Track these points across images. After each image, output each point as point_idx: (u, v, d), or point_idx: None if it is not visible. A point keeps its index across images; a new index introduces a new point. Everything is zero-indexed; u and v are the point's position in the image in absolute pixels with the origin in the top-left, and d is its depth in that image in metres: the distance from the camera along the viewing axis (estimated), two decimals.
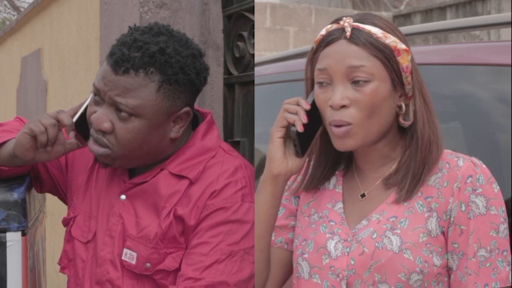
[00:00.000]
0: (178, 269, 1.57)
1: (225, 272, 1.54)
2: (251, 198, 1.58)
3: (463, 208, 1.35)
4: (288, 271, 1.55)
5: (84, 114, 1.61)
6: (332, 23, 1.42)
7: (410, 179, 1.38)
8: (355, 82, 1.36)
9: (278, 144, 1.43)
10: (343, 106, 1.36)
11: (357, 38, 1.36)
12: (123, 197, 1.64)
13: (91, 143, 1.58)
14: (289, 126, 1.42)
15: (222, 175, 1.59)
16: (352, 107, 1.36)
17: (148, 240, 1.58)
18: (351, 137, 1.37)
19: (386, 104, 1.37)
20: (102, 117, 1.54)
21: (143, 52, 1.51)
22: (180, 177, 1.60)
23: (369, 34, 1.37)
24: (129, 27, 1.59)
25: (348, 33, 1.37)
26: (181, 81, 1.54)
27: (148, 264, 1.57)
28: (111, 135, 1.55)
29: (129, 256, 1.59)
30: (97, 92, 1.56)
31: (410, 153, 1.40)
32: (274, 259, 1.54)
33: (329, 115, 1.38)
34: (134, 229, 1.60)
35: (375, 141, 1.41)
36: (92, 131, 1.58)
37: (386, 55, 1.36)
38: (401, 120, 1.40)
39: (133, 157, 1.58)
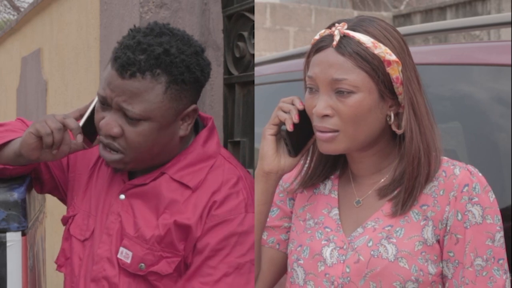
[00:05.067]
0: (171, 274, 1.58)
1: (233, 286, 1.55)
2: (253, 208, 1.58)
3: (460, 217, 1.35)
4: (279, 271, 1.55)
5: (90, 117, 1.61)
6: (327, 27, 1.41)
7: (404, 193, 1.38)
8: (339, 92, 1.35)
9: (269, 141, 1.44)
10: (327, 115, 1.36)
11: (344, 48, 1.35)
12: (122, 196, 1.64)
13: (101, 150, 1.59)
14: (281, 124, 1.43)
15: (224, 185, 1.59)
16: (335, 116, 1.36)
17: (144, 240, 1.58)
18: (335, 142, 1.38)
19: (372, 115, 1.36)
20: (111, 123, 1.54)
21: (148, 54, 1.50)
22: (181, 183, 1.60)
23: (358, 43, 1.35)
24: (130, 29, 1.59)
25: (335, 43, 1.36)
26: (187, 80, 1.54)
27: (142, 265, 1.58)
28: (121, 139, 1.55)
29: (125, 254, 1.59)
30: (103, 100, 1.55)
31: (402, 164, 1.39)
32: (265, 259, 1.54)
33: (315, 121, 1.39)
34: (132, 229, 1.60)
35: (362, 148, 1.41)
36: (101, 137, 1.58)
37: (373, 66, 1.35)
38: (393, 128, 1.40)
39: (144, 159, 1.59)
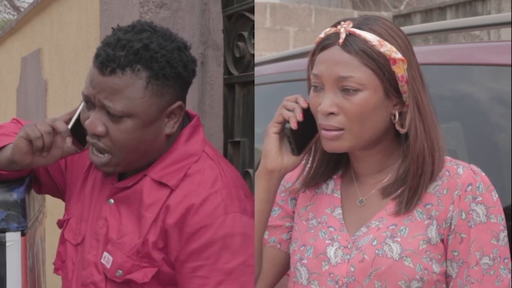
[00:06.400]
0: (149, 282, 1.55)
1: None
2: (235, 208, 1.54)
3: (464, 216, 1.35)
4: (280, 271, 1.55)
5: (78, 120, 1.61)
6: (332, 26, 1.41)
7: (408, 191, 1.38)
8: (345, 90, 1.35)
9: (272, 140, 1.44)
10: (332, 113, 1.36)
11: (350, 45, 1.35)
12: (111, 201, 1.62)
13: (91, 154, 1.58)
14: (285, 122, 1.43)
15: (201, 185, 1.54)
16: (340, 114, 1.36)
17: (125, 247, 1.57)
18: (340, 140, 1.37)
19: (377, 113, 1.37)
20: (95, 121, 1.53)
21: (128, 50, 1.50)
22: (161, 184, 1.57)
23: (364, 41, 1.35)
24: (112, 28, 1.58)
25: (341, 40, 1.36)
26: (169, 75, 1.53)
27: (119, 271, 1.56)
28: (106, 138, 1.54)
29: (107, 259, 1.58)
30: (87, 99, 1.55)
31: (406, 163, 1.39)
32: (266, 258, 1.54)
33: (320, 119, 1.39)
34: (115, 234, 1.59)
35: (367, 146, 1.41)
36: (88, 138, 1.57)
37: (379, 64, 1.35)
38: (397, 127, 1.40)
39: (132, 159, 1.57)
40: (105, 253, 1.59)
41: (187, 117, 1.67)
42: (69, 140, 1.60)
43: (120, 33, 1.53)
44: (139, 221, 1.57)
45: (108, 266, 1.57)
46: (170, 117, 1.57)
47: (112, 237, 1.59)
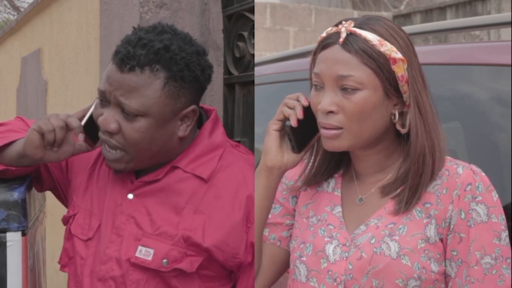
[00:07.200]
0: (194, 273, 1.58)
1: None
2: None
3: (463, 216, 1.35)
4: (280, 268, 1.56)
5: (91, 117, 1.62)
6: (334, 25, 1.42)
7: (408, 191, 1.38)
8: (344, 89, 1.36)
9: (273, 137, 1.45)
10: (331, 112, 1.37)
11: (351, 45, 1.36)
12: (130, 196, 1.63)
13: (104, 150, 1.60)
14: (286, 120, 1.44)
15: (249, 175, 1.60)
16: (340, 113, 1.37)
17: (168, 237, 1.58)
18: (339, 139, 1.38)
19: (376, 112, 1.37)
20: (108, 118, 1.55)
21: (148, 49, 1.51)
22: (194, 175, 1.61)
23: (364, 41, 1.36)
24: (133, 27, 1.60)
25: (341, 39, 1.37)
26: (187, 77, 1.55)
27: (165, 261, 1.58)
28: (119, 135, 1.55)
29: (145, 252, 1.59)
30: (102, 95, 1.56)
31: (406, 163, 1.40)
32: (266, 256, 1.55)
33: (320, 117, 1.40)
34: (149, 227, 1.60)
35: (367, 146, 1.41)
36: (100, 134, 1.59)
37: (379, 64, 1.36)
38: (397, 127, 1.40)
39: (144, 158, 1.59)
40: (140, 247, 1.60)
41: (204, 112, 1.70)
42: (81, 136, 1.61)
43: (142, 32, 1.55)
44: (176, 211, 1.60)
45: (150, 258, 1.58)
46: (183, 120, 1.59)
47: (147, 231, 1.60)
